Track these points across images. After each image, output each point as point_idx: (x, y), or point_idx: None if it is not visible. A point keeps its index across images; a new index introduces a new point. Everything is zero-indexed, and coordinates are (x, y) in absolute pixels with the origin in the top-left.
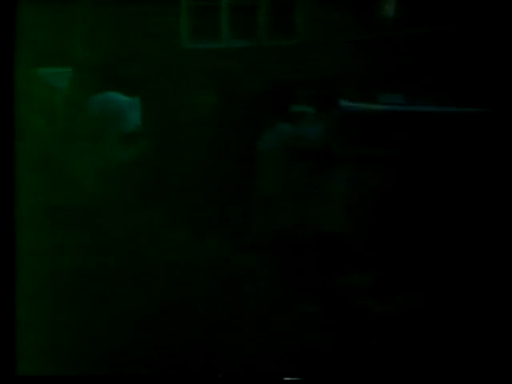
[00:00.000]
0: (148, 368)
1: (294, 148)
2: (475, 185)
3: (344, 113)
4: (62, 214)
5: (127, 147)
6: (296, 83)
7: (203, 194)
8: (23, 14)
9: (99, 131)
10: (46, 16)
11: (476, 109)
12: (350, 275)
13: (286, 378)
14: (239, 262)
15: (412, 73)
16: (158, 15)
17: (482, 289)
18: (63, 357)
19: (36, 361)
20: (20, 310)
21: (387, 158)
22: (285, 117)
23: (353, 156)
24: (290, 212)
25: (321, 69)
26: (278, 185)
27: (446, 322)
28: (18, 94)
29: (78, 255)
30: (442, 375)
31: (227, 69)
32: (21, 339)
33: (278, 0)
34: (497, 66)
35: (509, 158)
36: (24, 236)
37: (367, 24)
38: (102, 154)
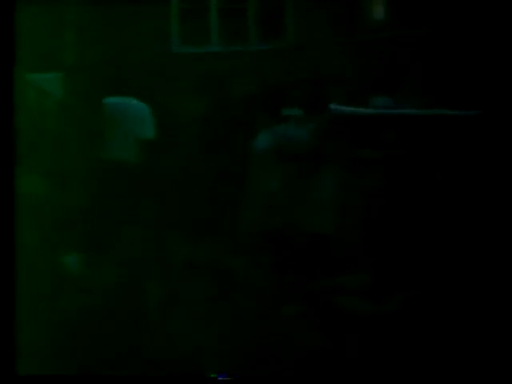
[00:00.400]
0: (146, 368)
1: (285, 150)
2: (465, 186)
3: (334, 115)
4: (62, 213)
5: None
6: (286, 86)
7: (196, 194)
8: (22, 15)
9: (114, 134)
10: (43, 19)
11: (466, 111)
12: (342, 276)
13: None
14: (230, 263)
15: (403, 75)
16: (149, 19)
17: (472, 289)
18: (63, 356)
19: (36, 360)
20: (20, 310)
21: (377, 160)
22: (276, 119)
23: (342, 158)
24: (281, 213)
25: (311, 71)
26: (268, 186)
27: (436, 323)
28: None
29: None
30: (432, 375)
31: (218, 72)
32: (20, 339)
33: (267, 4)
34: (485, 68)
35: (498, 159)
36: (25, 235)
37: (357, 26)
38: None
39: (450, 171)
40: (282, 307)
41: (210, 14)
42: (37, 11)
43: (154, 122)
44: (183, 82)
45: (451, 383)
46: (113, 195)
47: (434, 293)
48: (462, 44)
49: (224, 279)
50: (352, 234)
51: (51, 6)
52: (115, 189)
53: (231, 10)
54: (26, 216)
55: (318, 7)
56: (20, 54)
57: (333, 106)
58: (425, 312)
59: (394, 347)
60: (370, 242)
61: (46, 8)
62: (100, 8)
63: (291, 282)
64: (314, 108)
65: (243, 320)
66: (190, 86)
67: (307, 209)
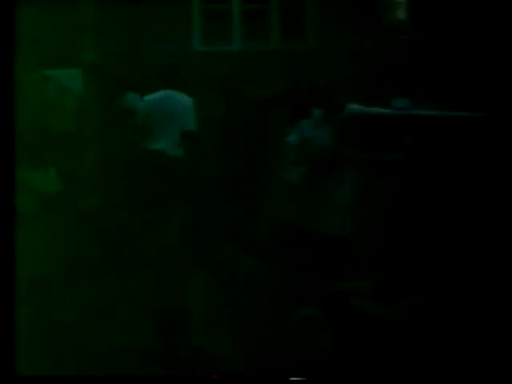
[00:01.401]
0: (147, 368)
1: (304, 150)
2: (484, 191)
3: (353, 116)
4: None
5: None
6: (306, 86)
7: (215, 194)
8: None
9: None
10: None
11: (485, 113)
12: (355, 278)
13: (292, 378)
14: (243, 264)
15: (422, 77)
16: (171, 17)
17: (484, 294)
18: (63, 357)
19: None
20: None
21: (394, 162)
22: (296, 119)
23: (359, 159)
24: (297, 215)
25: (331, 73)
26: (285, 187)
27: (448, 327)
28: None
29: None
30: (443, 378)
31: (239, 71)
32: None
33: (289, 5)
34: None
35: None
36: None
37: (377, 30)
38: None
39: (470, 176)
40: (297, 309)
41: (233, 14)
42: (56, 9)
43: (196, 114)
44: (204, 80)
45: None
46: (141, 187)
47: (447, 298)
48: (481, 48)
49: (239, 280)
50: (368, 237)
51: (72, 4)
52: (146, 181)
53: (253, 10)
54: (40, 213)
55: (339, 10)
56: (40, 52)
57: (352, 106)
58: (437, 316)
59: (406, 349)
60: (385, 246)
61: (66, 6)
62: (122, 7)
63: (306, 283)
64: (333, 109)
65: (256, 319)
66: (210, 84)
67: (325, 209)
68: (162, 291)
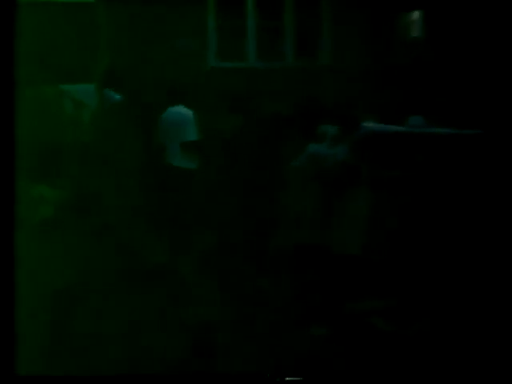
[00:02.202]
0: (148, 369)
1: (317, 168)
2: (501, 208)
3: (367, 134)
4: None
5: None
6: (320, 104)
7: (226, 209)
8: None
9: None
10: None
11: (501, 131)
12: (368, 297)
13: (287, 378)
14: (256, 282)
15: (437, 95)
16: (187, 34)
17: (498, 314)
18: (63, 357)
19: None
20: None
21: (409, 180)
22: (309, 137)
23: (373, 177)
24: (311, 233)
25: (344, 90)
26: (299, 205)
27: (462, 346)
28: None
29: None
30: None
31: (253, 87)
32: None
33: (303, 23)
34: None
35: None
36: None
37: (392, 47)
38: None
39: (487, 193)
40: (312, 327)
41: (247, 31)
42: (68, 25)
43: (196, 126)
44: (218, 96)
45: None
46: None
47: (460, 318)
48: (498, 66)
49: (251, 298)
50: (381, 256)
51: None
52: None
53: (268, 28)
54: (54, 224)
55: (353, 28)
56: (53, 67)
57: (366, 124)
58: (452, 335)
59: (420, 367)
60: (399, 264)
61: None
62: (136, 23)
63: (320, 301)
64: (347, 127)
65: (270, 337)
66: (224, 100)
67: (339, 227)
68: (174, 303)
